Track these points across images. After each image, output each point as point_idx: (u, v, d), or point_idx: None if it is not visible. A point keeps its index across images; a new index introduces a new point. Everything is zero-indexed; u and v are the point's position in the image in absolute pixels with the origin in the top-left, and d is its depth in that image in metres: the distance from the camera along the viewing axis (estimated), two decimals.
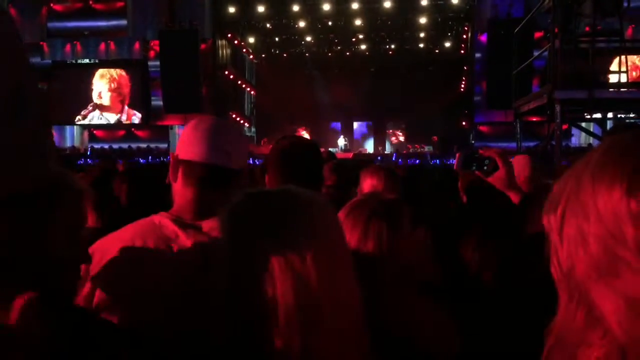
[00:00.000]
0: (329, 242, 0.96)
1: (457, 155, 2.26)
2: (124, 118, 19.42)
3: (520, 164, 2.86)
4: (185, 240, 1.37)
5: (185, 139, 1.49)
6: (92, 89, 19.50)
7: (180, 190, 1.47)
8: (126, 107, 19.45)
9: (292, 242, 0.92)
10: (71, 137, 20.40)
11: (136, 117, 19.39)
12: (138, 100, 19.27)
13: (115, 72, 19.41)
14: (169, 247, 1.36)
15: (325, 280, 0.91)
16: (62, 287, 1.03)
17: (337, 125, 25.24)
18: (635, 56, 12.69)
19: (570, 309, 0.66)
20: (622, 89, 7.49)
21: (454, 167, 2.29)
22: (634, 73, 12.38)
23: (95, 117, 19.47)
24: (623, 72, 7.56)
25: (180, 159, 1.47)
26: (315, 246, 0.92)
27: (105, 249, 1.35)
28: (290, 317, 0.88)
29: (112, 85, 19.41)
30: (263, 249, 0.91)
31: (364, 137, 25.56)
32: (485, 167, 2.08)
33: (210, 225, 1.39)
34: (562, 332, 0.67)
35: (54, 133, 19.42)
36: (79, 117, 19.44)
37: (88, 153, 14.66)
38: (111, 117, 19.45)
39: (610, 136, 0.71)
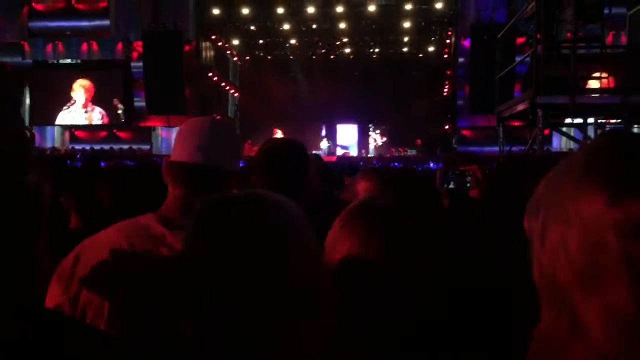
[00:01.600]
0: (299, 246, 0.94)
1: (438, 173, 2.26)
2: (90, 110, 19.35)
3: None
4: (172, 240, 1.36)
5: (178, 141, 1.51)
6: (72, 89, 19.36)
7: (170, 191, 1.48)
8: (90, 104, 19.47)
9: (259, 248, 0.89)
10: (52, 137, 20.17)
11: (97, 112, 19.32)
12: (119, 100, 19.12)
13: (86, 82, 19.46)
14: (155, 248, 1.34)
15: (295, 283, 0.90)
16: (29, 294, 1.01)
17: (321, 128, 25.26)
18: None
19: (553, 317, 0.65)
20: (602, 95, 7.60)
21: (436, 184, 2.30)
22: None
23: (76, 111, 19.37)
24: (604, 77, 7.66)
25: (171, 160, 1.48)
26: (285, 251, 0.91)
27: (92, 250, 1.34)
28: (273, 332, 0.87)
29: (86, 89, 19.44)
30: (230, 254, 0.89)
31: (348, 140, 25.58)
32: (467, 184, 2.09)
33: None
34: (544, 340, 0.66)
35: (35, 134, 19.28)
36: (63, 109, 19.31)
37: (78, 156, 14.49)
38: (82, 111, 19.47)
39: (593, 140, 0.70)
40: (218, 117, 17.27)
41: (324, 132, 24.20)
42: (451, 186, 2.11)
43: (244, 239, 0.90)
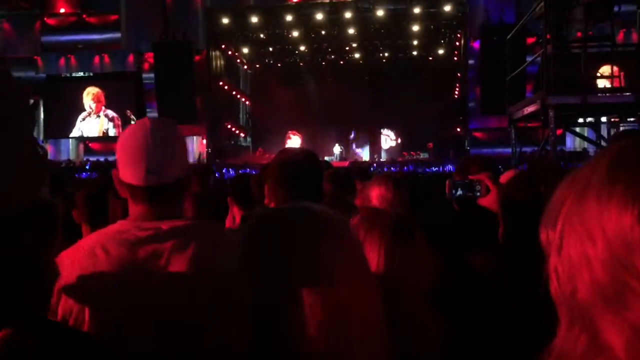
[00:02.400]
0: (355, 259, 0.97)
1: (447, 182, 2.27)
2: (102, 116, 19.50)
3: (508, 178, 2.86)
4: (146, 244, 1.38)
5: (121, 157, 1.46)
6: (83, 102, 19.58)
7: (131, 204, 1.48)
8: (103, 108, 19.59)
9: (320, 261, 0.92)
10: (66, 150, 20.37)
11: (110, 114, 19.46)
12: (134, 112, 19.29)
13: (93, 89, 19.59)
14: (130, 252, 1.37)
15: (353, 300, 0.92)
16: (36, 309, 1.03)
17: (333, 133, 25.27)
18: None
19: (572, 334, 0.62)
20: (615, 94, 7.54)
21: (446, 193, 2.30)
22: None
23: (88, 121, 19.55)
24: (615, 77, 7.61)
25: (122, 180, 1.46)
26: (343, 264, 0.93)
27: (68, 259, 1.36)
28: (319, 337, 0.89)
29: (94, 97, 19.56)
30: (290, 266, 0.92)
31: (360, 145, 25.55)
32: (477, 192, 2.10)
33: (170, 226, 1.41)
34: (561, 355, 0.63)
35: (49, 147, 19.49)
36: (79, 119, 19.48)
37: (87, 167, 14.65)
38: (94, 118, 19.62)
39: (617, 146, 0.64)
40: (131, 115, 17.35)
41: (335, 137, 24.19)
42: (459, 193, 2.12)
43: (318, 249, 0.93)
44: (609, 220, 0.58)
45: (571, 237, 0.62)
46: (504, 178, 2.72)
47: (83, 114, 19.60)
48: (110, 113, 19.36)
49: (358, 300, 0.92)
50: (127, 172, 1.43)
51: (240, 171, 12.99)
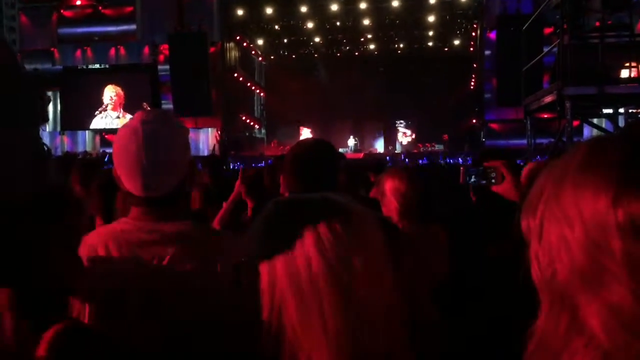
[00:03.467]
0: (373, 251, 0.93)
1: (461, 169, 2.25)
2: (121, 117, 19.61)
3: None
4: (148, 244, 1.38)
5: (117, 166, 1.43)
6: (102, 94, 19.68)
7: (133, 204, 1.46)
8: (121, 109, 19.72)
9: (338, 252, 0.88)
10: (83, 142, 20.55)
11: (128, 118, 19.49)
12: (149, 104, 19.38)
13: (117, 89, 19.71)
14: (131, 253, 1.37)
15: (370, 291, 0.89)
16: (58, 301, 1.04)
17: (347, 125, 25.24)
18: None
19: (553, 315, 0.65)
20: (632, 84, 7.43)
21: (460, 180, 2.28)
22: None
23: (108, 116, 19.67)
24: (634, 67, 7.49)
25: (123, 185, 1.43)
26: (361, 255, 0.90)
27: None
28: (337, 328, 0.86)
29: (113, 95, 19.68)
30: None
31: (374, 137, 25.51)
32: (493, 180, 2.06)
33: (173, 229, 1.41)
34: (544, 338, 0.66)
35: (66, 138, 19.67)
36: (97, 113, 19.59)
37: (106, 159, 14.77)
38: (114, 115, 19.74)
39: (593, 138, 0.68)
40: (147, 107, 17.29)
41: (350, 129, 24.12)
42: (473, 180, 2.09)
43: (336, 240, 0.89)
44: (585, 204, 0.60)
45: (550, 222, 0.64)
46: (526, 170, 2.67)
47: (103, 112, 19.76)
48: (129, 117, 19.47)
49: (376, 293, 0.89)
50: (126, 182, 1.41)
51: (252, 165, 12.90)
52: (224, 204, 3.23)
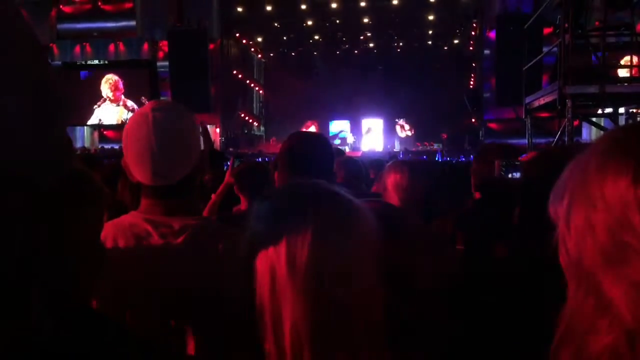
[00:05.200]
0: (359, 239, 0.89)
1: (496, 163, 2.20)
2: (121, 105, 19.58)
3: None
4: (156, 239, 1.37)
5: (127, 154, 1.42)
6: (100, 87, 19.67)
7: (142, 196, 1.45)
8: (122, 97, 19.65)
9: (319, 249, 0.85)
10: (81, 137, 20.51)
11: (130, 105, 19.53)
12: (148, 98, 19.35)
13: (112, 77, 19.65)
14: (140, 246, 1.36)
15: (349, 278, 0.86)
16: (81, 287, 1.03)
17: (346, 123, 25.24)
18: None
19: (579, 297, 0.67)
20: (633, 83, 7.42)
21: (496, 173, 2.24)
22: None
23: (106, 108, 19.63)
24: (635, 66, 7.49)
25: (132, 173, 1.43)
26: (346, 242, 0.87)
27: None
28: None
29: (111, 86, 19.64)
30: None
31: (373, 135, 25.49)
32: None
33: (181, 224, 1.39)
34: (571, 320, 0.68)
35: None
36: (95, 107, 19.56)
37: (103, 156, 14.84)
38: (114, 106, 19.69)
39: (615, 127, 0.74)
40: (145, 102, 17.23)
41: (349, 127, 24.09)
42: (510, 174, 2.07)
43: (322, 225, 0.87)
44: (607, 186, 0.64)
45: (577, 207, 0.68)
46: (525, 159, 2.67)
47: (100, 102, 19.72)
48: (130, 104, 19.42)
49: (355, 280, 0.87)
50: (135, 171, 1.41)
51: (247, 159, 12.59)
52: (213, 196, 3.20)
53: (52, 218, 0.90)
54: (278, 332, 0.84)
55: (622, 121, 8.35)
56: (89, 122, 19.86)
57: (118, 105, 19.62)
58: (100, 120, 19.78)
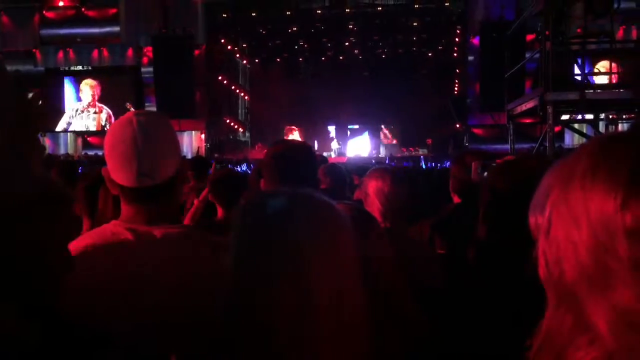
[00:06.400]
0: (336, 245, 0.91)
1: (474, 165, 2.23)
2: (98, 112, 19.51)
3: None
4: (138, 248, 1.36)
5: (110, 158, 1.42)
6: (82, 93, 19.58)
7: (124, 204, 1.45)
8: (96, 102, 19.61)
9: (299, 245, 0.88)
10: (65, 144, 20.33)
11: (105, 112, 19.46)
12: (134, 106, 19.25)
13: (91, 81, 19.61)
14: (122, 255, 1.35)
15: (329, 285, 0.87)
16: (46, 298, 1.03)
17: (331, 129, 25.29)
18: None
19: (559, 312, 0.66)
20: (613, 90, 7.54)
21: (472, 176, 2.25)
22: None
23: (85, 113, 19.55)
24: (614, 73, 7.61)
25: (113, 179, 1.42)
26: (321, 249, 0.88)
27: None
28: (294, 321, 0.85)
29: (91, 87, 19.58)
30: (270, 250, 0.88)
31: (358, 141, 25.56)
32: None
33: (163, 232, 1.39)
34: (550, 333, 0.67)
35: (47, 140, 19.43)
36: (76, 114, 19.48)
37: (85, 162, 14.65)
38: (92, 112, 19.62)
39: (600, 137, 0.68)
40: (130, 108, 17.28)
41: (334, 133, 24.14)
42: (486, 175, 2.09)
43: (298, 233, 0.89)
44: (593, 205, 0.60)
45: (558, 222, 0.64)
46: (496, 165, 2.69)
47: (77, 106, 19.58)
48: (106, 110, 19.34)
49: (336, 288, 0.88)
50: (118, 174, 1.40)
51: (229, 165, 12.15)
52: (195, 202, 3.17)
53: (20, 220, 0.91)
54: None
55: (602, 127, 8.47)
56: (58, 129, 19.74)
57: (95, 111, 19.54)
58: (74, 127, 19.67)
